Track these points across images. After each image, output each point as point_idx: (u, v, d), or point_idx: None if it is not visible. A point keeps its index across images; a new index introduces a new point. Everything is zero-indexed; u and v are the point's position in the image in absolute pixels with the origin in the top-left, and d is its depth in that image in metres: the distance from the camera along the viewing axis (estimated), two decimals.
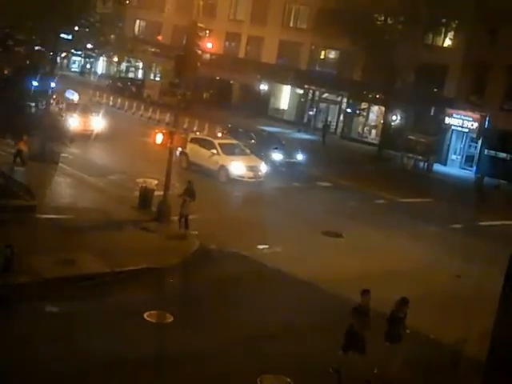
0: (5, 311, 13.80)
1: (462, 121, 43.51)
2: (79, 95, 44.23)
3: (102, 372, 12.29)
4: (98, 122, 35.78)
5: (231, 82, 57.80)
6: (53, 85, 45.51)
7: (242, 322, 15.00)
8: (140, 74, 66.91)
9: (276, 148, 34.19)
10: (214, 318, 15.07)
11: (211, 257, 19.42)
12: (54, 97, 38.02)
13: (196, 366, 13.00)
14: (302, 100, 54.02)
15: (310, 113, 53.51)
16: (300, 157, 34.97)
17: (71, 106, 37.29)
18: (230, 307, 15.83)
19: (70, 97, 43.05)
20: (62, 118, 33.58)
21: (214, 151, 30.40)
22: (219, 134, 34.85)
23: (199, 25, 21.96)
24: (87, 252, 17.59)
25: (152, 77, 64.81)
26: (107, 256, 17.46)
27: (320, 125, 50.46)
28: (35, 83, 43.93)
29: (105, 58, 62.00)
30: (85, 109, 37.17)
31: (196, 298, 16.26)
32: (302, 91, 53.86)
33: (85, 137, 33.18)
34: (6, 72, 21.34)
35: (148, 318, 14.64)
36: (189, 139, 31.19)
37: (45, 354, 12.37)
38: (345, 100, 51.49)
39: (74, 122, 34.46)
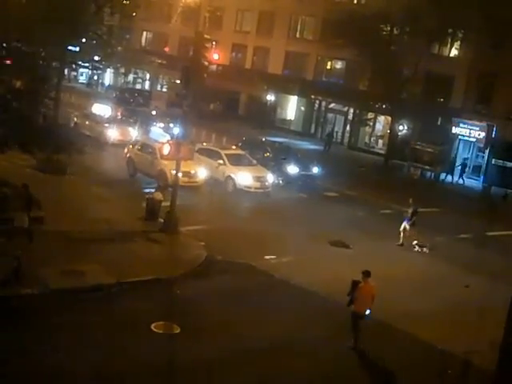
0: (12, 322, 13.80)
1: (468, 130, 43.41)
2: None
3: (110, 383, 12.28)
4: (202, 172, 28.70)
5: (238, 92, 57.96)
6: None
7: (249, 333, 14.95)
8: (147, 86, 67.22)
9: (284, 158, 34.05)
10: (221, 329, 15.02)
11: (218, 267, 19.38)
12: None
13: (203, 376, 12.96)
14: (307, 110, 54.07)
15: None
16: (316, 169, 34.32)
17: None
18: (237, 318, 15.76)
19: (160, 139, 33.33)
20: (70, 129, 31.84)
21: (221, 162, 30.44)
22: (233, 147, 33.60)
23: (206, 36, 22.11)
24: (94, 263, 17.60)
25: (159, 88, 65.08)
26: (114, 267, 17.49)
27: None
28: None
29: (112, 70, 62.26)
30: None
31: (203, 308, 16.20)
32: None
33: (189, 190, 26.49)
34: (16, 85, 21.44)
35: (155, 329, 14.62)
36: (196, 150, 31.30)
37: (51, 365, 12.35)
38: (351, 110, 51.54)
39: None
